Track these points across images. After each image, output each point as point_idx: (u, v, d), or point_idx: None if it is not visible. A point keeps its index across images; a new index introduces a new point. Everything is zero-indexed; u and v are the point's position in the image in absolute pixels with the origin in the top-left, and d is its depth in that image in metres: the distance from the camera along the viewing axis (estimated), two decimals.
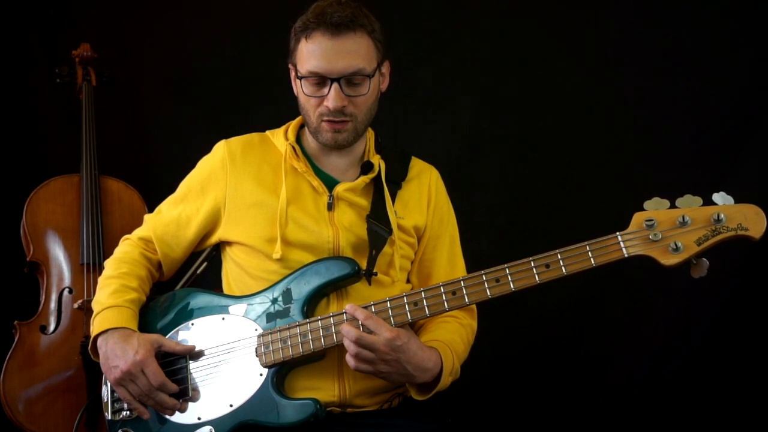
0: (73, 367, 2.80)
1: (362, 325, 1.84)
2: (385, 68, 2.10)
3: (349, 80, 1.97)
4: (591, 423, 3.21)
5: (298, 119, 2.15)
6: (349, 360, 1.85)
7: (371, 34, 1.99)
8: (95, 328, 1.97)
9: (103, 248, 2.92)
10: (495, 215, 3.30)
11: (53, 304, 2.88)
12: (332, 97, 1.96)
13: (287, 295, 1.95)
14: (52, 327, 2.85)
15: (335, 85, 1.95)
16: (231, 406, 1.91)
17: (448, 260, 2.16)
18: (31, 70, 3.38)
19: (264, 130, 2.19)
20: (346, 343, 1.83)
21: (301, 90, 2.01)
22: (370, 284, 1.99)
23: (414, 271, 2.15)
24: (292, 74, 2.07)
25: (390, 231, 2.04)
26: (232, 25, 3.40)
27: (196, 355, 1.97)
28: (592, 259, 1.78)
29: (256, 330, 1.95)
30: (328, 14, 1.94)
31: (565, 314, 3.20)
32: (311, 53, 1.96)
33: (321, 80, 1.97)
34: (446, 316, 2.07)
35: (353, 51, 1.96)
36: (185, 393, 1.94)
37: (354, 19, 1.95)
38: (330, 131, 2.01)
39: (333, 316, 1.89)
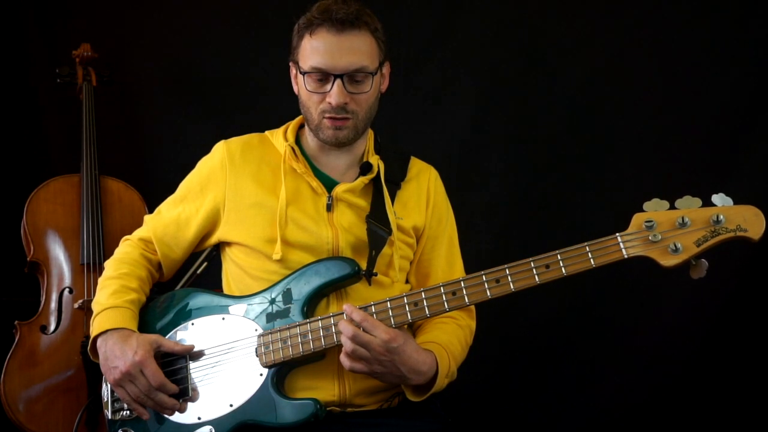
0: (73, 367, 2.80)
1: (359, 326, 1.84)
2: (386, 69, 2.10)
3: (351, 77, 1.97)
4: (591, 423, 3.21)
5: (298, 119, 2.15)
6: (344, 360, 1.85)
7: (374, 33, 2.00)
8: (95, 328, 1.97)
9: (103, 248, 2.92)
10: (495, 215, 3.30)
11: (53, 304, 2.88)
12: (335, 93, 1.96)
13: (287, 295, 1.95)
14: (52, 327, 2.86)
15: (338, 82, 1.96)
16: (231, 406, 1.91)
17: (447, 260, 2.16)
18: (31, 70, 3.38)
19: (264, 131, 2.19)
20: (343, 339, 1.84)
21: (303, 86, 2.02)
22: (370, 284, 2.00)
23: (412, 271, 2.16)
24: (293, 72, 2.07)
25: (389, 231, 2.04)
26: (232, 25, 3.40)
27: (196, 355, 1.97)
28: (591, 260, 1.78)
29: (256, 330, 1.95)
30: (333, 11, 1.95)
31: (564, 315, 3.20)
32: (315, 49, 1.97)
33: (324, 76, 1.98)
34: (444, 316, 2.07)
35: (357, 48, 1.97)
36: (185, 393, 1.94)
37: (358, 16, 1.96)
38: (331, 128, 2.01)
39: (333, 316, 1.90)
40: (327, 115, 2.00)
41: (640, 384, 3.19)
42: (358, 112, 2.01)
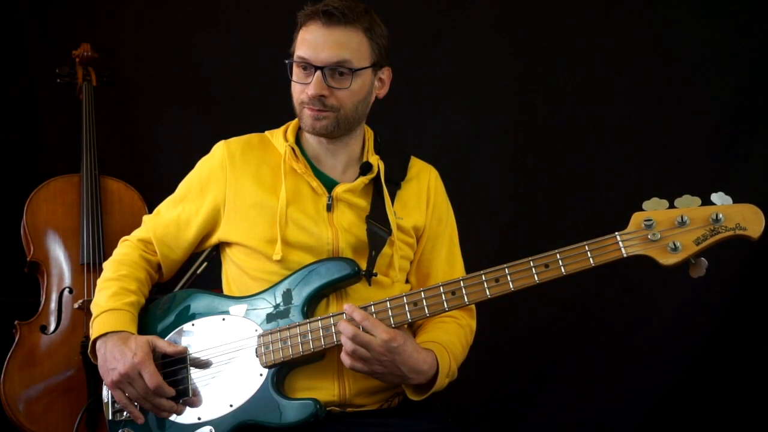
0: (73, 367, 2.80)
1: (360, 326, 1.84)
2: (385, 74, 2.11)
3: (334, 71, 1.98)
4: (591, 423, 3.21)
5: (297, 119, 2.15)
6: (345, 359, 1.85)
7: (367, 33, 2.01)
8: (94, 331, 1.97)
9: (104, 248, 2.92)
10: (495, 215, 3.30)
11: (53, 304, 2.88)
12: (313, 84, 1.98)
13: (287, 296, 1.95)
14: (52, 327, 2.86)
15: (318, 73, 1.97)
16: (231, 406, 1.91)
17: (447, 260, 2.16)
18: (31, 70, 3.38)
19: (264, 130, 2.19)
20: (343, 339, 1.84)
21: (292, 75, 2.04)
22: (370, 285, 2.00)
23: (413, 271, 2.15)
24: None
25: (389, 232, 2.04)
26: (232, 25, 3.40)
27: (197, 355, 1.97)
28: (591, 259, 1.78)
29: (256, 330, 1.95)
30: (324, 5, 1.98)
31: (564, 314, 3.20)
32: (303, 40, 2.00)
33: (307, 67, 1.99)
34: (445, 316, 2.07)
35: (342, 43, 1.98)
36: (185, 393, 1.94)
37: (348, 13, 1.97)
38: (310, 117, 2.02)
39: (333, 316, 1.90)
40: (306, 106, 2.01)
41: (640, 384, 3.19)
42: (339, 108, 2.01)
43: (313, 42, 1.98)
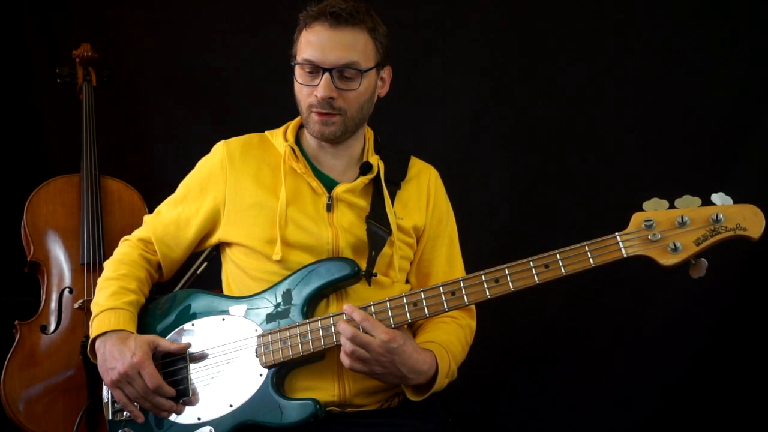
0: (73, 367, 2.80)
1: (359, 326, 1.84)
2: (386, 74, 2.11)
3: (341, 73, 1.98)
4: (591, 423, 3.21)
5: (298, 119, 2.15)
6: (344, 359, 1.85)
7: (371, 33, 2.00)
8: (94, 330, 1.97)
9: (104, 248, 2.92)
10: (495, 215, 3.30)
11: (54, 304, 2.88)
12: (322, 86, 1.97)
13: (287, 296, 1.95)
14: (52, 327, 2.86)
15: (326, 76, 1.96)
16: (231, 406, 1.91)
17: (447, 260, 2.16)
18: (31, 70, 3.38)
19: (264, 130, 2.19)
20: (343, 340, 1.84)
21: (296, 78, 2.03)
22: (369, 285, 1.99)
23: (413, 271, 2.15)
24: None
25: (389, 232, 2.04)
26: (232, 25, 3.40)
27: (197, 355, 1.98)
28: (591, 260, 1.78)
29: (256, 330, 1.95)
30: (331, 6, 1.96)
31: (564, 315, 3.20)
32: (308, 42, 1.99)
33: (314, 69, 1.98)
34: (445, 316, 2.07)
35: (349, 44, 1.97)
36: (185, 393, 1.94)
37: (355, 14, 1.97)
38: (318, 123, 2.02)
39: (333, 316, 1.90)
40: (314, 109, 2.01)
41: (640, 384, 3.19)
42: (347, 110, 2.01)
43: (319, 44, 1.97)
